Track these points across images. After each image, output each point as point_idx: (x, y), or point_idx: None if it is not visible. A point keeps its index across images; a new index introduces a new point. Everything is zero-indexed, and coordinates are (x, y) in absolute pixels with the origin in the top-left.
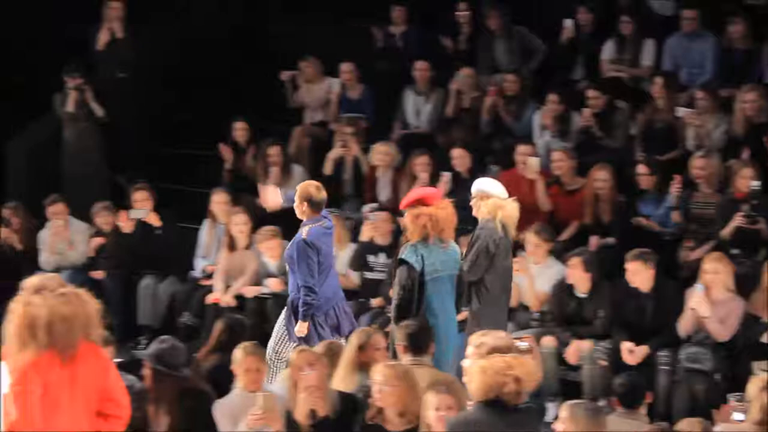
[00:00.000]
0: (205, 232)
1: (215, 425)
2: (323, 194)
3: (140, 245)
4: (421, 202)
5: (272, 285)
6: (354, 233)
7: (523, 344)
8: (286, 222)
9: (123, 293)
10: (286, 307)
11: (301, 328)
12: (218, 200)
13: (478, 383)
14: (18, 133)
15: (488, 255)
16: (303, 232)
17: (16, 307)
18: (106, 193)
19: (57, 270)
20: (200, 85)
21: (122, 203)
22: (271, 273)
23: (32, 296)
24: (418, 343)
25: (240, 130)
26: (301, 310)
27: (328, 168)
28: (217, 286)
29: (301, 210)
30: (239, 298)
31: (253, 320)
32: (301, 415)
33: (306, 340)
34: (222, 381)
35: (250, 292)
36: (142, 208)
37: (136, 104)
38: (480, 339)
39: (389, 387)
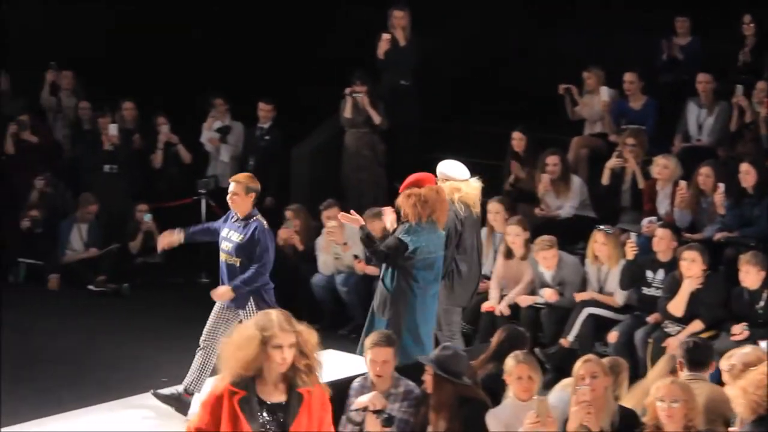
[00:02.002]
0: (483, 241)
1: None
2: (258, 184)
3: None
4: (415, 184)
5: (547, 295)
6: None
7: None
8: (562, 232)
9: None
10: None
11: (225, 292)
12: (494, 210)
13: (744, 404)
14: (304, 138)
15: (456, 233)
16: (263, 221)
17: (293, 339)
18: (381, 199)
19: (332, 273)
20: (479, 96)
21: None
22: (547, 283)
23: (299, 326)
24: (697, 359)
25: (518, 140)
26: (248, 278)
27: (605, 178)
28: (493, 294)
29: (248, 203)
30: (513, 307)
31: (527, 330)
32: (571, 429)
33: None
34: (494, 389)
35: (525, 301)
36: None
37: (416, 112)
38: (729, 361)
39: (674, 404)
